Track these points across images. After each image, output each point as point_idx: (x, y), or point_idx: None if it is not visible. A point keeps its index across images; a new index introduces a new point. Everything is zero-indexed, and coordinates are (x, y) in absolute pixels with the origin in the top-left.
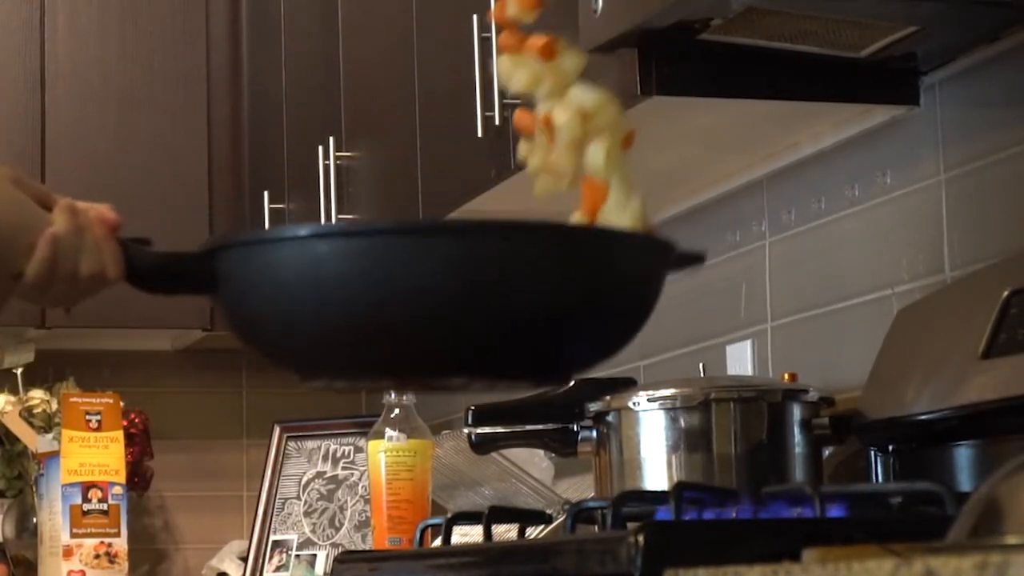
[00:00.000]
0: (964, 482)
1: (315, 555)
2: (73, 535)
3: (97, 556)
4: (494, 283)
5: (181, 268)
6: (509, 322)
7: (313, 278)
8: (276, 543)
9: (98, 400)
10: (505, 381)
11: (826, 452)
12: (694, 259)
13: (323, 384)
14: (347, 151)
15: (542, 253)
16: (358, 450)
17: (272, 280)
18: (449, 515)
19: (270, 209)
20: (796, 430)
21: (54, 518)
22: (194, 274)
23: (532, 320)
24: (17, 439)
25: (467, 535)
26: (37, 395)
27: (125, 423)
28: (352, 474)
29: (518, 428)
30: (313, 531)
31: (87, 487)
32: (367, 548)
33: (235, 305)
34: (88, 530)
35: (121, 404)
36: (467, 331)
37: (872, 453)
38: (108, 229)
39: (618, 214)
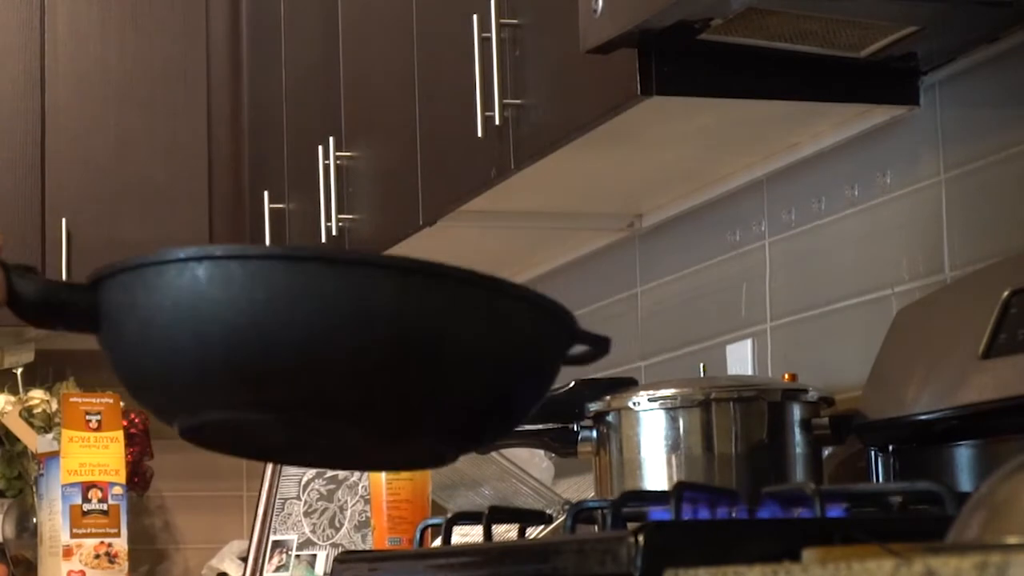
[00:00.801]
0: (964, 482)
1: (315, 555)
2: (73, 535)
3: (97, 556)
4: (363, 320)
5: (64, 299)
6: (388, 366)
7: (190, 303)
8: (276, 543)
9: (98, 400)
10: (375, 435)
11: (826, 452)
12: (599, 343)
13: (197, 434)
14: (347, 151)
15: (421, 297)
16: None
17: (151, 306)
18: (449, 515)
19: (270, 209)
20: (796, 430)
21: (54, 518)
22: (78, 307)
23: (412, 367)
24: (17, 439)
25: (467, 535)
26: (37, 395)
27: (125, 423)
28: (352, 474)
29: (518, 428)
30: (313, 531)
31: (87, 487)
32: (367, 548)
33: (115, 338)
34: (88, 530)
35: (121, 404)
36: (338, 368)
37: (872, 453)
38: None
39: None
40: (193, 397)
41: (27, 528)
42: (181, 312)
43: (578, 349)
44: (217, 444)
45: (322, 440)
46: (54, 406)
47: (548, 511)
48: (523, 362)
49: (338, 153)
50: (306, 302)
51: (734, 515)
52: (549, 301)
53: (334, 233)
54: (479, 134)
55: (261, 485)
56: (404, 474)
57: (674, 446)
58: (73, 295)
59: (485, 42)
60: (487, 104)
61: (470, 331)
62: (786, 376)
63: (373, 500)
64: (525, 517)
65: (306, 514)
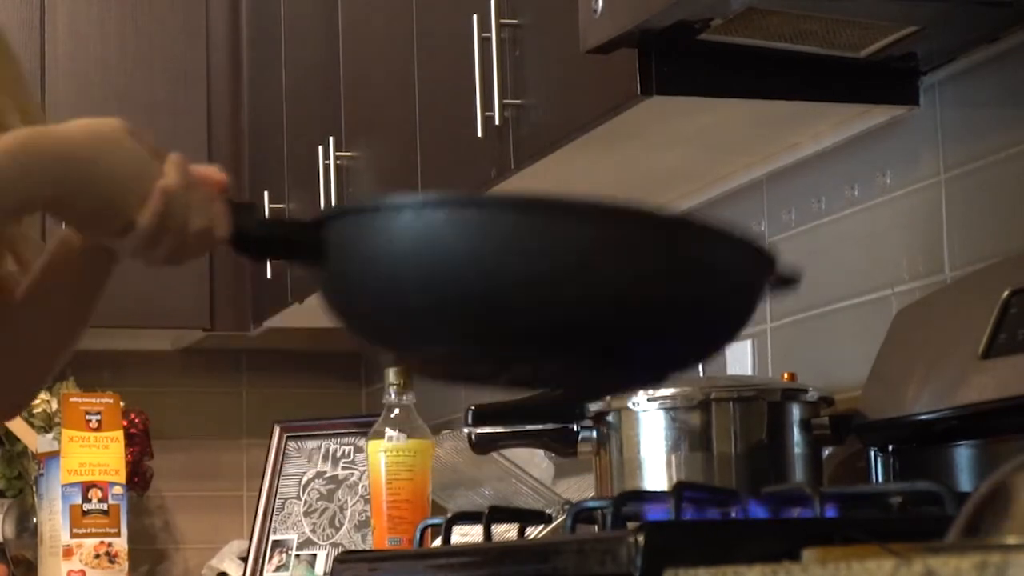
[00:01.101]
0: (964, 482)
1: (315, 555)
2: (73, 535)
3: (97, 556)
4: (599, 267)
5: (289, 235)
6: (609, 307)
7: (426, 246)
8: (276, 543)
9: (98, 400)
10: (595, 371)
11: (826, 452)
12: (791, 280)
13: (418, 363)
14: (347, 151)
15: (657, 243)
16: (358, 450)
17: (383, 248)
18: (449, 515)
19: (270, 209)
20: (796, 430)
21: (54, 518)
22: (302, 243)
23: (630, 308)
24: (17, 439)
25: (467, 535)
26: None
27: (125, 423)
28: (352, 474)
29: (518, 428)
30: (313, 531)
31: (87, 487)
32: (367, 548)
33: (339, 276)
34: (88, 530)
35: (121, 404)
36: (567, 312)
37: (872, 453)
38: (218, 188)
39: None
40: (420, 333)
41: (27, 528)
42: (416, 255)
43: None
44: (432, 372)
45: (533, 371)
46: (54, 406)
47: (548, 511)
48: (733, 301)
49: (338, 153)
50: (534, 249)
51: (734, 515)
52: (755, 244)
53: None
54: (479, 134)
55: (261, 485)
56: (404, 474)
57: (674, 446)
58: (298, 232)
59: (485, 42)
60: (487, 104)
61: (688, 275)
62: (786, 376)
63: (373, 500)
64: (525, 517)
65: (306, 514)
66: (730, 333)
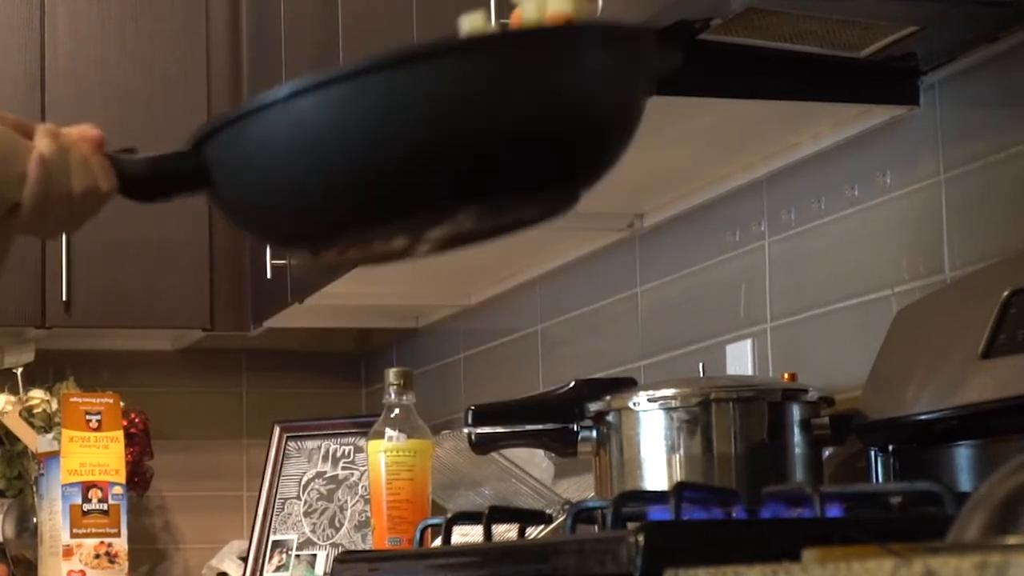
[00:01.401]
0: (964, 482)
1: (315, 555)
2: (73, 535)
3: (97, 556)
4: (472, 102)
5: (172, 167)
6: (499, 136)
7: (306, 137)
8: (276, 543)
9: (98, 400)
10: (508, 201)
11: (826, 452)
12: (671, 57)
13: (336, 252)
14: None
15: (516, 63)
16: (358, 450)
17: (265, 151)
18: (449, 515)
19: None
20: (796, 430)
21: (54, 518)
22: (186, 171)
23: (520, 130)
24: (17, 439)
25: (467, 535)
26: (37, 395)
27: (125, 423)
28: (352, 474)
29: (518, 428)
30: (313, 531)
31: (87, 487)
32: (367, 548)
33: (233, 190)
34: (88, 530)
35: (121, 404)
36: (462, 152)
37: (872, 453)
38: (93, 145)
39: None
40: (326, 225)
41: (27, 528)
42: (296, 148)
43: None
44: (350, 260)
45: (453, 230)
46: (54, 406)
47: (548, 511)
48: (616, 90)
49: None
50: (413, 103)
51: (734, 515)
52: (626, 27)
53: None
54: None
55: (261, 485)
56: (404, 474)
57: (674, 446)
58: (180, 162)
59: None
60: None
61: (564, 79)
62: (786, 376)
63: (373, 500)
64: (525, 517)
65: (306, 514)
66: (627, 127)
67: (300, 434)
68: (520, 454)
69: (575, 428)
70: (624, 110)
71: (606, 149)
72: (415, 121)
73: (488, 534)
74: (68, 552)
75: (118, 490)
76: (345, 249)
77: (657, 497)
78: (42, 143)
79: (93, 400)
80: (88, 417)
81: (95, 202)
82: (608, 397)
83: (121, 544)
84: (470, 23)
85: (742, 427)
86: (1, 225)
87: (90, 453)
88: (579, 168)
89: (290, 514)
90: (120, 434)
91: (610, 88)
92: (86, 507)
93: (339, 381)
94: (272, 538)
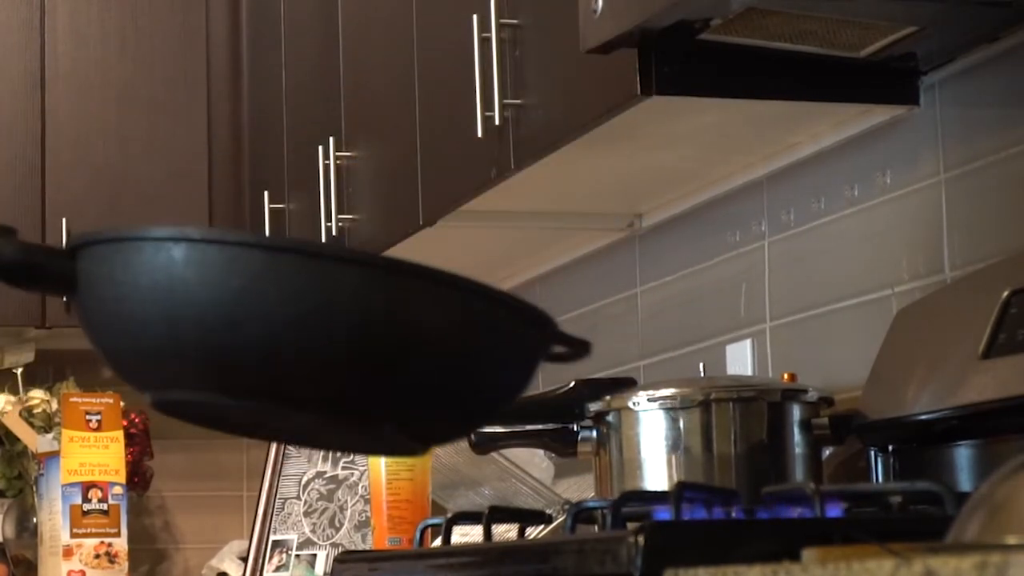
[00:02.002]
0: (964, 482)
1: (315, 555)
2: (73, 535)
3: (97, 556)
4: (335, 312)
5: (43, 262)
6: (365, 358)
7: (166, 284)
8: (276, 543)
9: (98, 400)
10: (339, 425)
11: (826, 452)
12: (579, 345)
13: (169, 406)
14: (347, 151)
15: (401, 295)
16: None
17: (127, 282)
18: (449, 515)
19: (270, 209)
20: (796, 430)
21: (54, 518)
22: (56, 270)
23: (392, 361)
24: (17, 439)
25: (467, 535)
26: (37, 395)
27: (125, 423)
28: (352, 474)
29: (518, 428)
30: (313, 531)
31: (87, 487)
32: (367, 548)
33: (89, 307)
34: (88, 530)
35: (121, 404)
36: (317, 365)
37: (872, 453)
38: None
39: None
40: (163, 375)
41: (27, 528)
42: (156, 292)
43: (559, 350)
44: (188, 416)
45: (290, 423)
46: (54, 406)
47: (548, 511)
48: (496, 361)
49: (338, 153)
50: (279, 292)
51: (734, 515)
52: (527, 305)
53: (334, 233)
54: (479, 134)
55: (261, 485)
56: (404, 474)
57: (674, 446)
58: (52, 259)
59: (485, 42)
60: (487, 104)
61: (440, 330)
62: (786, 376)
63: (373, 500)
64: (525, 517)
65: (306, 514)
66: (507, 395)
67: None
68: (520, 454)
69: (575, 428)
70: (511, 391)
71: (475, 420)
72: (273, 312)
73: (488, 534)
74: (68, 552)
75: (118, 490)
76: (180, 407)
77: (657, 497)
78: None
79: (93, 400)
80: (88, 417)
81: None
82: (608, 397)
83: (121, 544)
84: None
85: (742, 427)
86: None
87: (90, 453)
88: (456, 430)
89: (290, 514)
90: (120, 434)
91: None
92: (86, 507)
93: None
94: (272, 538)
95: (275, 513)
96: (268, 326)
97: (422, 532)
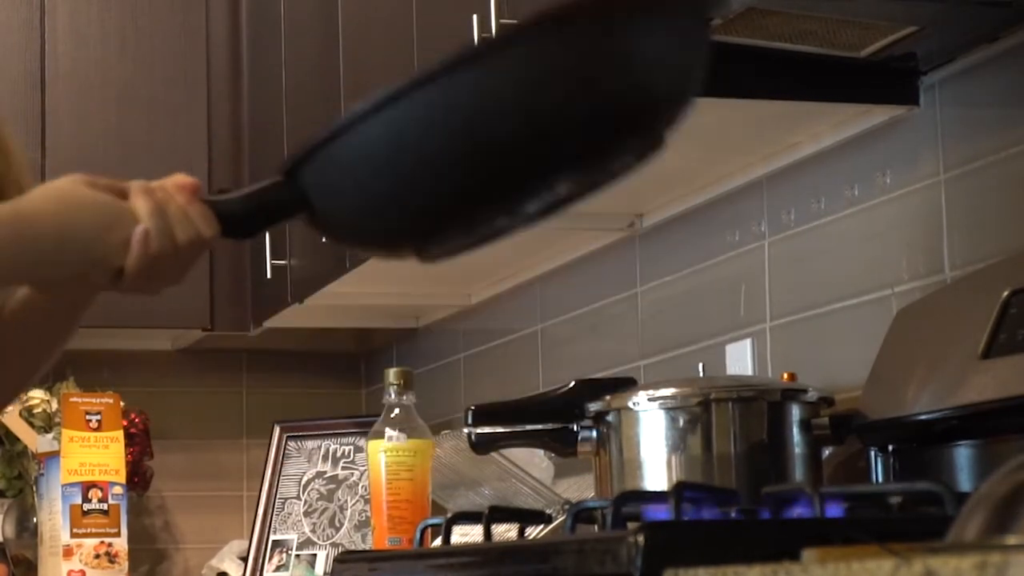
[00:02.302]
0: (964, 482)
1: (315, 555)
2: (73, 535)
3: (97, 556)
4: (560, 77)
5: (268, 200)
6: (585, 106)
7: (400, 144)
8: (276, 543)
9: (98, 400)
10: (612, 159)
11: (826, 452)
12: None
13: (451, 245)
14: None
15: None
16: (358, 450)
17: (367, 164)
18: (449, 515)
19: None
20: (796, 430)
21: (54, 518)
22: (283, 200)
23: (603, 99)
24: (17, 439)
25: (467, 535)
26: (37, 395)
27: (125, 423)
28: (352, 474)
29: (518, 428)
30: (313, 531)
31: (87, 487)
32: (367, 548)
33: (335, 210)
34: (88, 530)
35: (121, 404)
36: (554, 126)
37: (872, 453)
38: (189, 194)
39: None
40: (435, 219)
41: (27, 528)
42: (400, 154)
43: None
44: (458, 251)
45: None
46: (54, 406)
47: (548, 511)
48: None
49: None
50: (503, 89)
51: (734, 515)
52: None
53: None
54: None
55: (261, 485)
56: (404, 474)
57: (674, 446)
58: (275, 193)
59: None
60: None
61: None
62: (786, 376)
63: (373, 500)
64: (525, 517)
65: (306, 514)
66: (695, 69)
67: (300, 434)
68: (520, 454)
69: (575, 428)
70: (690, 58)
71: (682, 95)
72: (509, 106)
73: (488, 534)
74: (68, 552)
75: (118, 490)
76: (448, 240)
77: (657, 497)
78: (139, 204)
79: (93, 400)
80: (88, 417)
81: (199, 250)
82: (608, 397)
83: (121, 544)
84: None
85: (742, 427)
86: (103, 287)
87: (90, 453)
88: (660, 115)
89: (290, 514)
90: (120, 434)
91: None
92: (86, 507)
93: (339, 381)
94: (272, 538)
95: (275, 513)
96: (508, 120)
97: (422, 532)
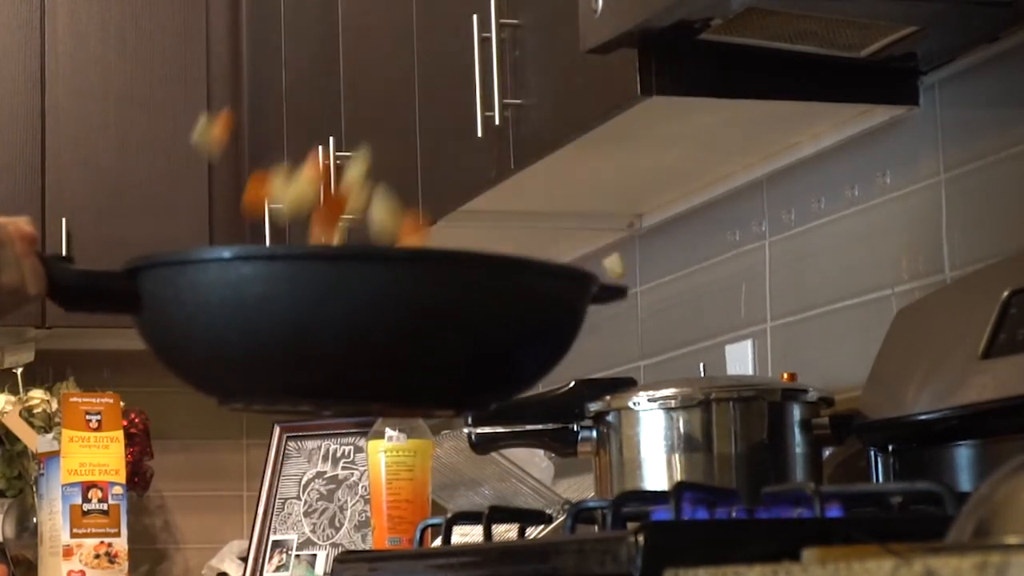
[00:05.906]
0: (964, 482)
1: (315, 555)
2: (73, 535)
3: (97, 556)
4: (411, 312)
5: (103, 286)
6: (429, 350)
7: (236, 300)
8: (276, 543)
9: (98, 400)
10: (421, 408)
11: (826, 452)
12: (616, 292)
13: (241, 406)
14: (347, 151)
15: (465, 282)
16: (358, 450)
17: (195, 301)
18: (449, 515)
19: (270, 209)
20: (796, 430)
21: (54, 518)
22: (116, 293)
23: (453, 348)
24: (17, 439)
25: (467, 535)
26: (37, 395)
27: (125, 423)
28: (352, 474)
29: (518, 428)
30: (313, 531)
31: (87, 487)
32: (367, 548)
33: (157, 326)
34: (88, 530)
35: (121, 404)
36: (385, 358)
37: (872, 453)
38: (27, 244)
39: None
40: (238, 384)
41: (27, 528)
42: (226, 308)
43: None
44: (252, 410)
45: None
46: (54, 406)
47: (548, 511)
48: (548, 322)
49: (338, 153)
50: (347, 297)
51: (734, 515)
52: (568, 267)
53: None
54: (479, 134)
55: (261, 485)
56: (404, 474)
57: (674, 446)
58: (111, 281)
59: (485, 42)
60: (487, 104)
61: (497, 308)
62: (786, 376)
63: (373, 500)
64: (525, 517)
65: (306, 514)
66: (559, 353)
67: (300, 434)
68: (520, 454)
69: (575, 428)
70: (558, 351)
71: (526, 380)
72: (352, 315)
73: (488, 534)
74: (68, 552)
75: (118, 490)
76: (252, 404)
77: (657, 497)
78: None
79: (93, 400)
80: (88, 417)
81: (17, 300)
82: (608, 397)
83: (121, 544)
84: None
85: (742, 427)
86: None
87: (90, 453)
88: (500, 391)
89: (290, 514)
90: (120, 434)
91: (558, 326)
92: (86, 507)
93: None
94: (272, 538)
95: (275, 513)
96: (337, 329)
97: (422, 532)
